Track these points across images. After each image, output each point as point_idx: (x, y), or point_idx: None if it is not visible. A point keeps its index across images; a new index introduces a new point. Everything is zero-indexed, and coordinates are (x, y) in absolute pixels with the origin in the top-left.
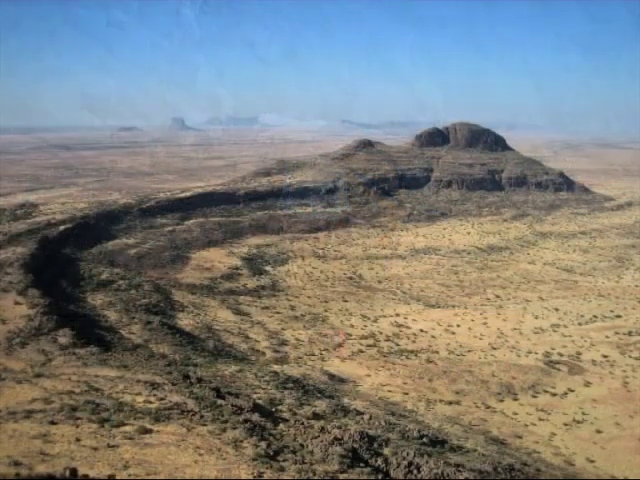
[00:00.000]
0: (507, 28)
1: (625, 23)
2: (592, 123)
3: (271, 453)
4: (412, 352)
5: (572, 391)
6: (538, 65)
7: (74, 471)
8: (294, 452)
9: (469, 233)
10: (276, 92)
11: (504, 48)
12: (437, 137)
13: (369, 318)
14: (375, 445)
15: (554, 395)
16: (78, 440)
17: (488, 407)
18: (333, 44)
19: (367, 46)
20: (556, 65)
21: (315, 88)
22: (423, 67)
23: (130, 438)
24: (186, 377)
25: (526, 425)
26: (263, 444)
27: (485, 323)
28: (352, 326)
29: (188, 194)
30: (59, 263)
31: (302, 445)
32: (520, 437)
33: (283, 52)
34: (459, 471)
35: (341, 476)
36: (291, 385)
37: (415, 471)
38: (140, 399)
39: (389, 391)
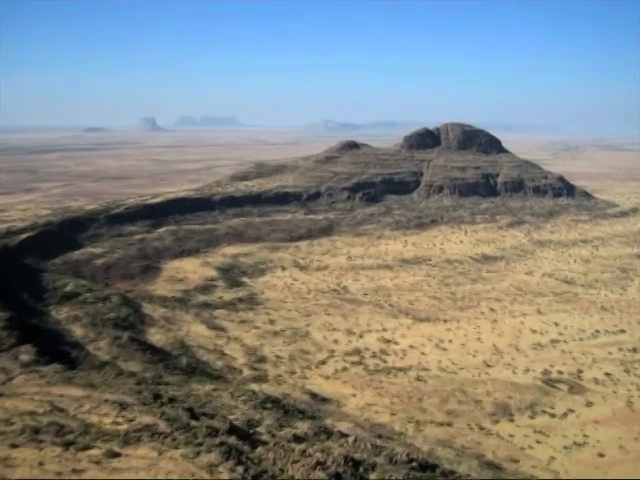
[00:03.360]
0: (501, 23)
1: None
2: (593, 124)
3: (249, 478)
4: (400, 370)
5: (572, 412)
6: (535, 62)
7: None
8: (273, 477)
9: (462, 242)
10: (256, 91)
11: (500, 45)
12: (427, 138)
13: (354, 333)
14: (361, 470)
15: (553, 416)
16: (41, 464)
17: (482, 429)
18: (316, 39)
19: (352, 40)
20: (555, 62)
21: (297, 87)
22: (413, 64)
23: (97, 462)
24: (157, 397)
25: (523, 448)
26: (240, 469)
27: (479, 338)
28: (336, 342)
29: (159, 200)
30: (20, 274)
31: (282, 470)
32: (517, 461)
33: (261, 47)
34: None
35: None
36: (270, 405)
37: None
38: (108, 420)
39: (376, 411)
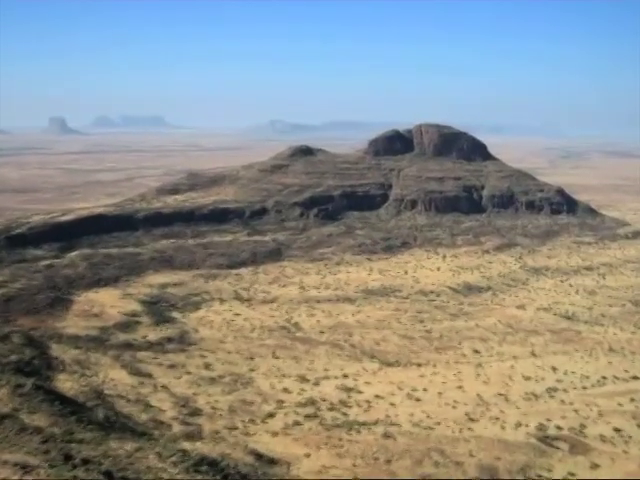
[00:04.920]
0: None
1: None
2: (600, 125)
3: None
4: (364, 425)
5: (574, 475)
6: (529, 49)
7: None
8: None
9: (439, 269)
10: (187, 84)
11: (484, 28)
12: (397, 143)
13: (308, 380)
14: None
15: None
16: None
17: None
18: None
19: (302, 21)
20: (554, 48)
21: (238, 80)
22: (379, 52)
23: None
24: (68, 457)
25: None
26: None
27: (460, 387)
28: (286, 390)
29: (71, 218)
30: None
31: None
32: None
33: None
34: None
35: None
36: (206, 468)
37: None
38: None
39: (335, 476)
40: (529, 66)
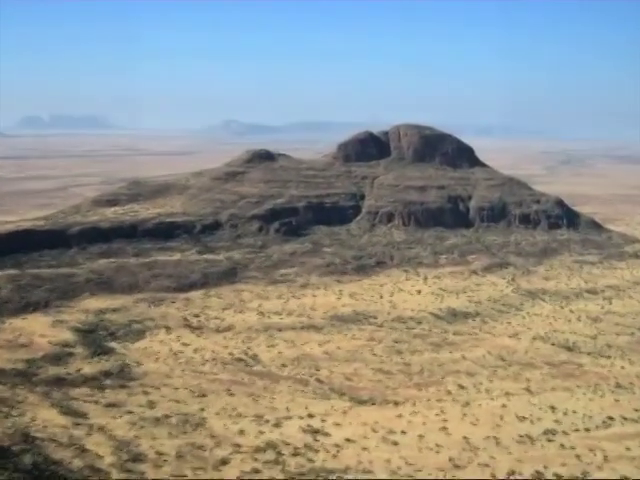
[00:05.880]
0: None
1: None
2: (605, 127)
3: None
4: (333, 472)
5: None
6: (522, 40)
7: None
8: None
9: (419, 292)
10: (130, 80)
11: (469, 17)
12: (371, 147)
13: (268, 421)
14: None
15: None
16: None
17: None
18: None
19: (259, 10)
20: (548, 50)
21: (187, 76)
22: (353, 45)
23: None
24: None
25: None
26: None
27: (444, 428)
28: (242, 433)
29: None
30: None
31: None
32: None
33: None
34: None
35: None
36: None
37: None
38: None
39: None
40: (522, 58)
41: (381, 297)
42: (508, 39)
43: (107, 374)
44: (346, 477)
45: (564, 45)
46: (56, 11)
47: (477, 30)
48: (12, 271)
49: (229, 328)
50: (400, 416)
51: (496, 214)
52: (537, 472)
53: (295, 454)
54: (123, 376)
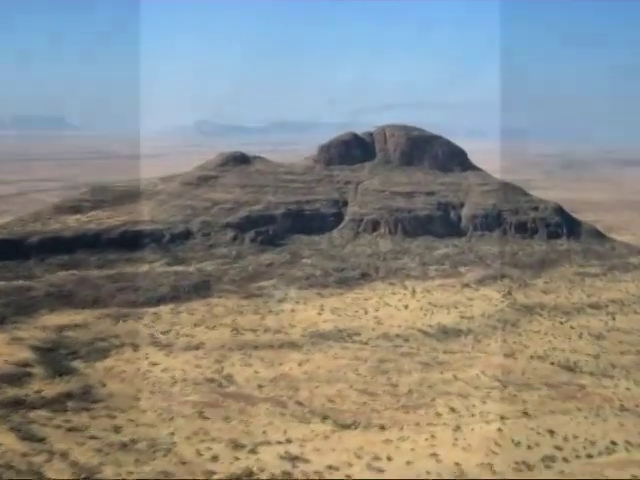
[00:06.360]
0: None
1: None
2: (610, 126)
3: None
4: None
5: None
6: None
7: None
8: None
9: (407, 307)
10: (93, 79)
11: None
12: (355, 149)
13: (244, 446)
14: None
15: None
16: None
17: None
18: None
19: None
20: (543, 41)
21: (154, 73)
22: (331, 36)
23: None
24: None
25: None
26: None
27: (434, 454)
28: (215, 459)
29: None
30: None
31: None
32: None
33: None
34: None
35: None
36: None
37: None
38: None
39: None
40: (512, 54)
41: (365, 312)
42: (507, 39)
43: (69, 396)
44: None
45: (565, 45)
46: (21, 9)
47: (476, 30)
48: None
49: (200, 346)
50: (386, 441)
51: (490, 222)
52: None
53: None
54: (86, 398)
